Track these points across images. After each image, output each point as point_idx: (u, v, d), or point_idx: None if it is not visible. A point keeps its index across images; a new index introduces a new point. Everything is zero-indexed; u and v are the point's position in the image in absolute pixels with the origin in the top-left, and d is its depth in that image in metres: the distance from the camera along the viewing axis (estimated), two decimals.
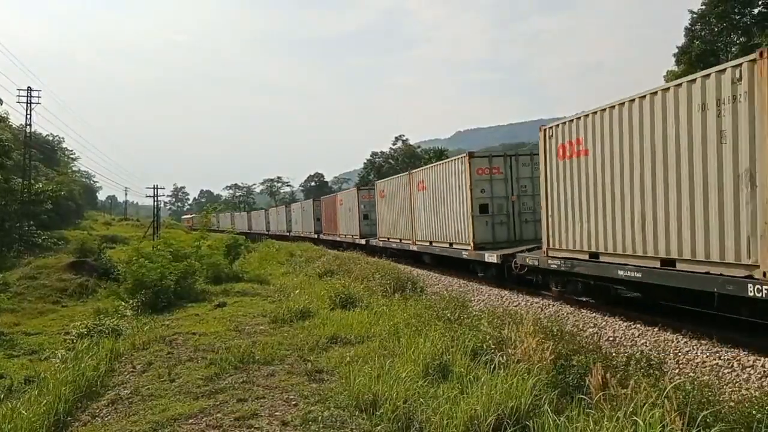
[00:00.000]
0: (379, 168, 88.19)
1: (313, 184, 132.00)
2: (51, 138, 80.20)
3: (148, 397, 6.14)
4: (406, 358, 6.47)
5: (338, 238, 31.40)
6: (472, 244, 15.57)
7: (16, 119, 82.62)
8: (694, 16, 43.75)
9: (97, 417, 5.73)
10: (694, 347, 7.74)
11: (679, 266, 8.30)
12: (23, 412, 5.52)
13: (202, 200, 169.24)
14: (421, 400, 5.18)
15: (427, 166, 21.12)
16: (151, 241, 33.37)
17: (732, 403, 4.89)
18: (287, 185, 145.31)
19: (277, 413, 5.42)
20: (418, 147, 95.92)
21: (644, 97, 8.82)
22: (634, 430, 4.04)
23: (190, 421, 5.34)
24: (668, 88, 8.37)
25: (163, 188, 78.65)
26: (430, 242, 18.80)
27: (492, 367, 5.90)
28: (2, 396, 7.91)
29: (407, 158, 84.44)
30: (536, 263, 12.20)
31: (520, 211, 15.87)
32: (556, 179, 11.51)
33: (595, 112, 10.12)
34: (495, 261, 13.98)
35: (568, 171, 11.01)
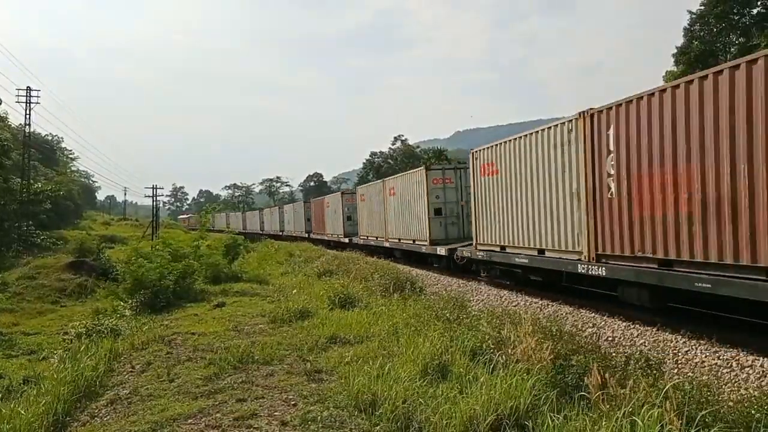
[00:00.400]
0: (378, 168, 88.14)
1: (312, 184, 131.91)
2: (50, 138, 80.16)
3: (147, 397, 6.13)
4: (406, 358, 6.47)
5: (326, 237, 34.82)
6: (428, 240, 18.88)
7: (15, 119, 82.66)
8: (693, 16, 43.79)
9: (96, 417, 5.72)
10: (693, 347, 7.76)
11: (547, 254, 11.88)
12: (22, 412, 5.51)
13: (201, 200, 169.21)
14: (421, 400, 5.18)
15: (396, 175, 23.89)
16: (150, 241, 33.37)
17: (731, 403, 4.89)
18: (286, 185, 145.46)
19: (276, 413, 5.42)
20: (417, 147, 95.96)
21: (525, 136, 12.49)
22: (632, 430, 4.04)
23: (189, 421, 5.33)
24: (538, 131, 12.01)
25: (162, 188, 78.71)
26: (399, 239, 22.06)
27: (491, 367, 5.90)
28: (1, 396, 7.89)
29: (406, 158, 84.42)
30: (469, 255, 15.67)
31: (467, 213, 18.05)
32: (480, 191, 15.02)
33: (501, 143, 13.74)
34: (444, 254, 17.41)
35: (487, 186, 14.54)
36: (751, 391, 5.70)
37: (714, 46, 43.05)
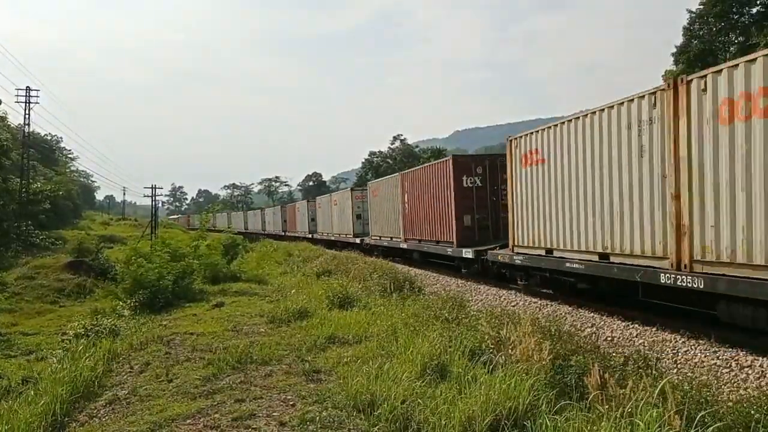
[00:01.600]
0: (377, 167, 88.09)
1: (311, 183, 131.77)
2: (49, 138, 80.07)
3: (146, 397, 6.12)
4: (404, 358, 6.46)
5: (297, 234, 44.68)
6: (353, 234, 29.23)
7: (15, 119, 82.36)
8: (693, 15, 43.75)
9: (94, 417, 5.71)
10: (692, 347, 7.75)
11: (392, 240, 22.77)
12: (20, 412, 5.50)
13: (200, 200, 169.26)
14: (419, 400, 5.16)
15: (336, 192, 37.43)
16: (148, 241, 33.33)
17: (730, 403, 4.89)
18: (285, 185, 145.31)
19: (274, 413, 5.41)
20: (416, 146, 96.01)
21: (387, 179, 24.83)
22: (631, 430, 4.03)
23: (188, 421, 5.32)
24: (390, 178, 24.28)
25: (161, 188, 78.22)
26: (339, 234, 32.27)
27: (490, 367, 5.89)
28: None
29: (405, 158, 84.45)
30: (368, 242, 26.38)
31: None
32: (372, 205, 26.24)
33: (379, 180, 25.67)
34: (358, 242, 27.76)
35: (374, 202, 25.78)
36: (751, 391, 5.71)
37: (713, 46, 43.02)
